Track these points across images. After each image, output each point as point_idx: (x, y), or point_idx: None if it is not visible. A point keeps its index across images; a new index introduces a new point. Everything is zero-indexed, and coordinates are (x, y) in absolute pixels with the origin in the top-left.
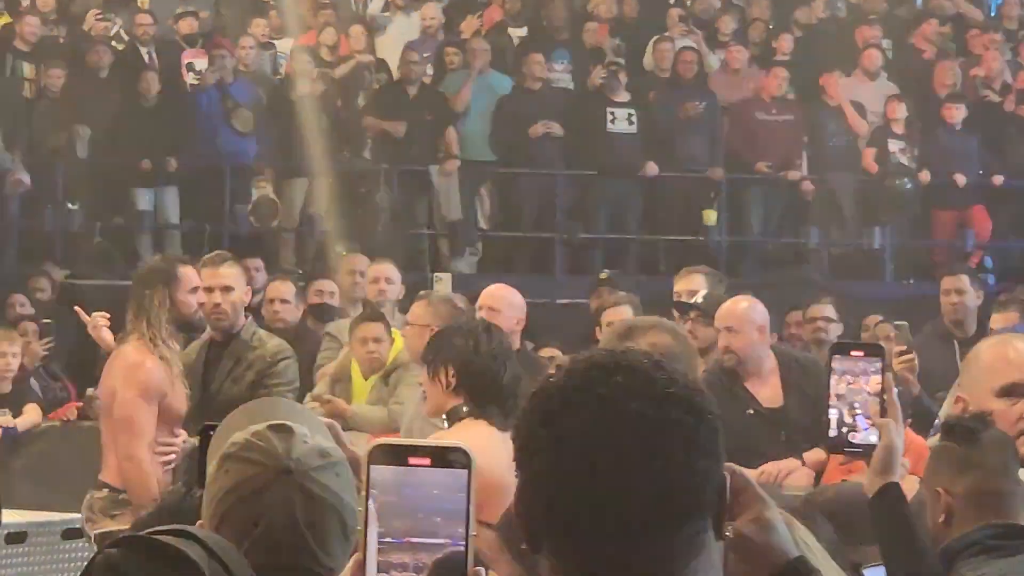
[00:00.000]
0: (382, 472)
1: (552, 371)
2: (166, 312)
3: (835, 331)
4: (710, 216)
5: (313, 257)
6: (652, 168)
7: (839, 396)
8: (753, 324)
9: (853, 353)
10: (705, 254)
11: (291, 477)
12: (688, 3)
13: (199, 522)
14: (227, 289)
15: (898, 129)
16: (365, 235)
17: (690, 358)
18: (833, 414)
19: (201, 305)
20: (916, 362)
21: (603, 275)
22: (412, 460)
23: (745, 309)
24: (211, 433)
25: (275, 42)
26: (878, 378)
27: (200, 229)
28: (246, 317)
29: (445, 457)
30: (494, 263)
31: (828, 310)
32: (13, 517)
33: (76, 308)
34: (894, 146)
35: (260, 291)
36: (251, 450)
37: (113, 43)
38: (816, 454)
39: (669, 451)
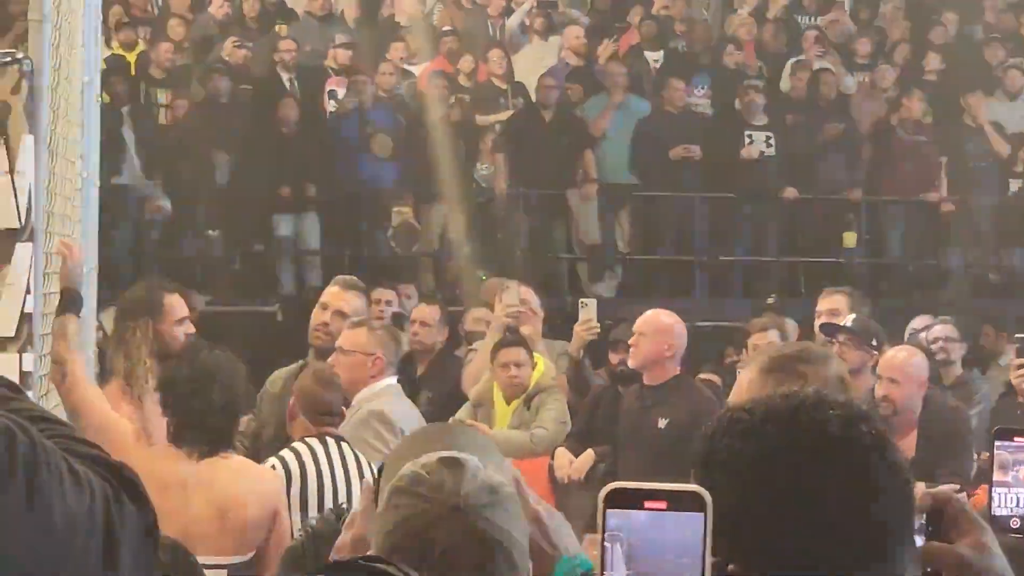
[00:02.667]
0: (618, 516)
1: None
2: (148, 346)
3: (957, 352)
4: (850, 238)
5: (452, 282)
6: (791, 192)
7: (1003, 481)
8: (916, 379)
9: (1016, 439)
10: (845, 276)
11: (460, 514)
12: (823, 26)
13: (368, 552)
14: (341, 314)
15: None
16: (504, 259)
17: (838, 382)
18: (996, 498)
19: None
20: None
21: (769, 300)
22: (648, 504)
23: (907, 361)
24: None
25: (413, 68)
26: None
27: (340, 255)
28: None
29: (682, 501)
30: (633, 287)
31: (949, 330)
32: None
33: None
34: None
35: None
36: (420, 484)
37: (251, 69)
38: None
39: (874, 478)
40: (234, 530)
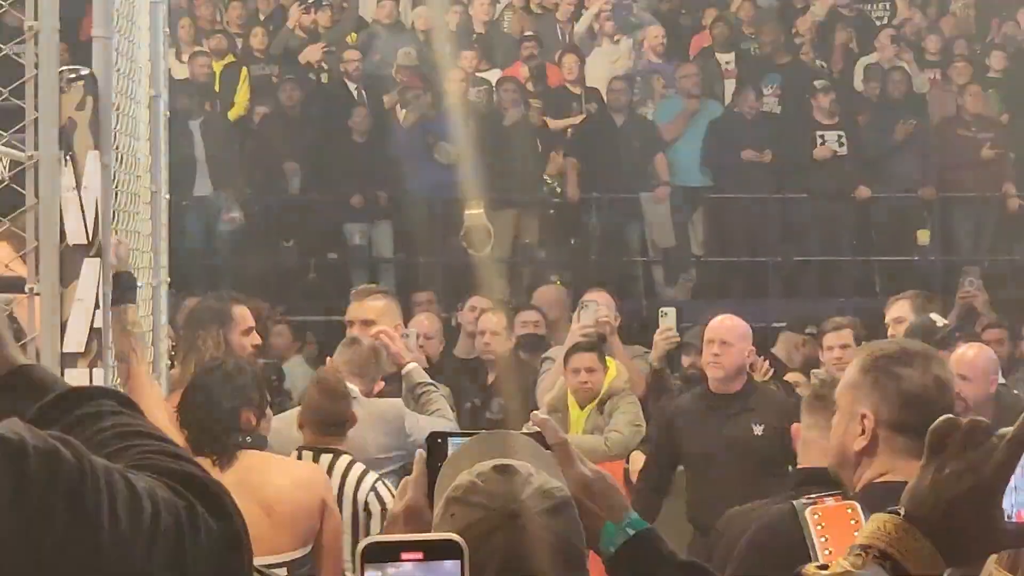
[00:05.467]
0: (376, 571)
1: None
2: (219, 352)
3: None
4: (924, 236)
5: (527, 287)
6: (864, 192)
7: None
8: (986, 376)
9: None
10: (919, 274)
11: (517, 521)
12: (896, 24)
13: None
14: (368, 323)
15: None
16: (577, 264)
17: (936, 384)
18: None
19: (255, 348)
20: None
21: (809, 330)
22: (405, 555)
23: (977, 357)
24: (439, 441)
25: (487, 75)
26: None
27: (413, 262)
28: None
29: (437, 549)
30: (708, 289)
31: None
32: None
33: None
34: None
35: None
36: (475, 493)
37: (322, 77)
38: None
39: None
40: (284, 525)
